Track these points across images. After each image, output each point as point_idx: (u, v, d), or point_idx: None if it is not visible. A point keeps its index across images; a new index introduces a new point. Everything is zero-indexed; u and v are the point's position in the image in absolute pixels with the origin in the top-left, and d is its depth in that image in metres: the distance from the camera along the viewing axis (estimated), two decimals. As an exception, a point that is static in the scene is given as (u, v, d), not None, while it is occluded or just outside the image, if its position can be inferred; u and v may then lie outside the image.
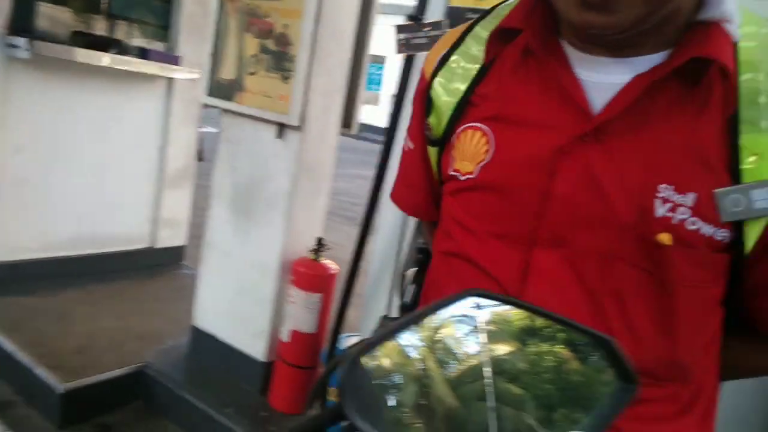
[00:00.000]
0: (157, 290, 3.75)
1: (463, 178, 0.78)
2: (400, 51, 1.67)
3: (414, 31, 1.70)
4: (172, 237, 4.14)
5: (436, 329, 0.73)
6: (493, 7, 0.83)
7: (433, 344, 0.72)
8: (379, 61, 18.61)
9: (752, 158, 0.66)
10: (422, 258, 1.61)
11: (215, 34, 2.61)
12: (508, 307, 0.64)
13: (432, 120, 0.84)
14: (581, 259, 0.71)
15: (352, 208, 7.31)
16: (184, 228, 4.24)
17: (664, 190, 0.67)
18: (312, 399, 1.96)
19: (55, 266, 3.52)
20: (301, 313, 2.43)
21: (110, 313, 3.27)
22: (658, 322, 0.70)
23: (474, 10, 1.75)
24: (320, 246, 2.43)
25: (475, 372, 0.71)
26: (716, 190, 0.66)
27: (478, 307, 0.63)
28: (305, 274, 2.41)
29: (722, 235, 0.67)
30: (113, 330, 3.09)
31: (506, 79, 0.77)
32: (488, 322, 0.70)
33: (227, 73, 2.59)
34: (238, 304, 2.71)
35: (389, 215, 1.91)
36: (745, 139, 0.66)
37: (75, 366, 2.67)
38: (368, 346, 0.50)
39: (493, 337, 0.70)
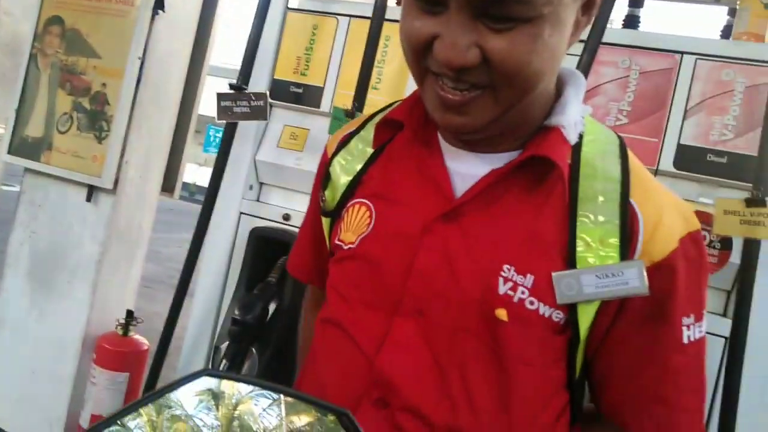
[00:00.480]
0: (-68, 375, 3.19)
1: (346, 247, 0.84)
2: (221, 118, 1.65)
3: (236, 100, 1.68)
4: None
5: (235, 406, 0.70)
6: (395, 102, 0.93)
7: (230, 422, 0.69)
8: (219, 124, 18.41)
9: (583, 246, 0.72)
10: (237, 330, 1.54)
11: (23, 88, 2.40)
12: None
13: (327, 193, 0.91)
14: (434, 330, 0.75)
15: (178, 276, 6.91)
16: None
17: (507, 270, 0.73)
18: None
19: None
20: (104, 395, 2.19)
21: None
22: (497, 397, 0.73)
23: (297, 84, 1.79)
24: (130, 319, 2.24)
25: None
26: (553, 273, 0.72)
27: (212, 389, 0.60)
28: (110, 351, 2.19)
29: (558, 316, 0.72)
30: None
31: (391, 162, 0.86)
32: (288, 394, 0.70)
33: (34, 130, 2.37)
34: (30, 388, 2.37)
35: (208, 282, 1.82)
36: (580, 230, 0.73)
37: None
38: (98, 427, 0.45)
39: (292, 408, 0.69)
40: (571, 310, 0.72)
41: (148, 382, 1.84)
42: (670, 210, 0.75)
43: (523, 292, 0.72)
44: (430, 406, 0.74)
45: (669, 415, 0.76)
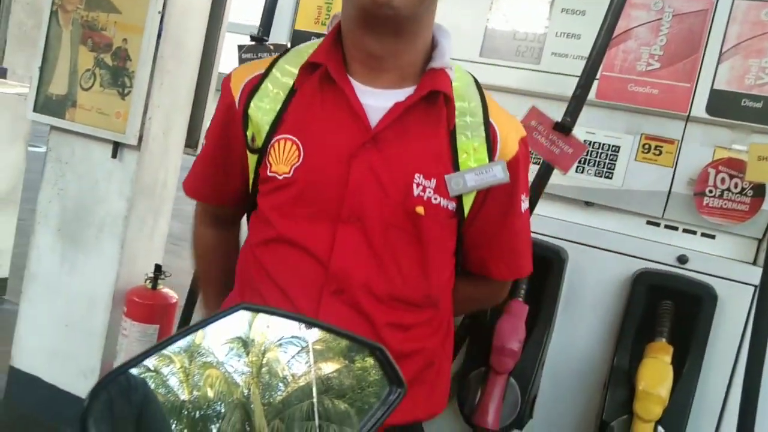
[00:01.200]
0: (-29, 328, 3.31)
1: (281, 177, 0.99)
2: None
3: (257, 52, 1.66)
4: (-9, 268, 3.70)
5: (264, 353, 0.71)
6: (289, 49, 1.09)
7: (259, 369, 0.71)
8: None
9: (464, 155, 0.99)
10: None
11: (45, 46, 2.39)
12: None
13: (250, 133, 1.04)
14: (370, 230, 0.97)
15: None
16: (7, 258, 3.80)
17: (418, 177, 0.96)
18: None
19: None
20: (135, 346, 2.25)
21: None
22: (420, 268, 1.00)
23: (318, 35, 1.76)
24: (158, 273, 2.28)
25: (303, 393, 0.71)
26: (446, 176, 0.97)
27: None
28: (141, 304, 2.24)
29: (452, 206, 0.99)
30: None
31: (309, 101, 1.01)
32: (316, 342, 0.70)
33: (58, 87, 2.38)
34: (64, 341, 2.45)
35: None
36: (460, 143, 0.99)
37: None
38: (115, 372, 0.46)
39: (321, 356, 0.70)
40: (459, 200, 0.99)
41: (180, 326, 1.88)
42: (512, 124, 1.06)
43: (430, 192, 0.97)
44: (376, 283, 0.97)
45: (515, 259, 1.12)
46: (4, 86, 3.37)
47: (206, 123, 2.51)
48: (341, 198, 0.97)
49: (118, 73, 2.25)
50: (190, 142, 2.50)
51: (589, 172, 1.43)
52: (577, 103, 1.27)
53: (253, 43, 1.68)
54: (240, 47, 1.66)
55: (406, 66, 1.00)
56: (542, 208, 1.36)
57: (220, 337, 0.67)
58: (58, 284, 2.44)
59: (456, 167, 0.98)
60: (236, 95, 1.06)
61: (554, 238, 1.44)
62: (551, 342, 1.41)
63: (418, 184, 0.96)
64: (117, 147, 2.28)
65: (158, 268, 2.29)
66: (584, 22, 1.43)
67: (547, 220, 1.44)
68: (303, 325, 0.71)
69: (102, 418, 0.44)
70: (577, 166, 1.43)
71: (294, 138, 0.99)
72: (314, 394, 0.68)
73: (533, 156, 1.47)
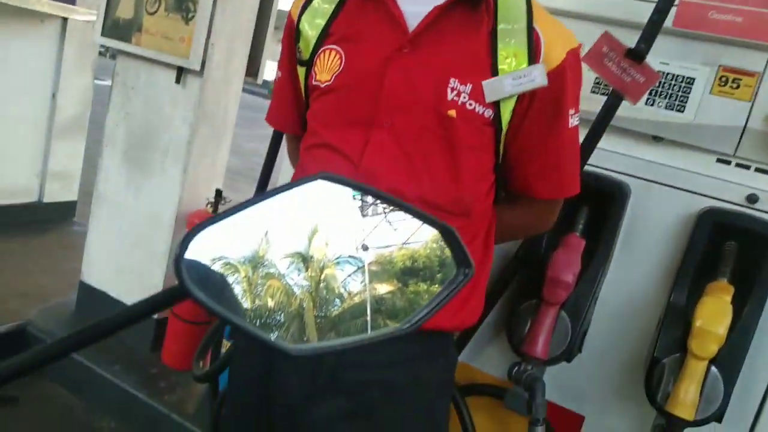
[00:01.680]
0: (44, 247, 3.52)
1: (323, 85, 1.04)
2: None
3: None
4: (62, 191, 3.89)
5: (322, 270, 0.73)
6: None
7: (317, 285, 0.73)
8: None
9: (504, 61, 0.97)
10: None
11: (112, -30, 2.43)
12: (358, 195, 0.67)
13: (301, 46, 1.09)
14: (402, 133, 0.99)
15: (258, 169, 7.11)
16: (76, 182, 3.99)
17: (453, 82, 0.96)
18: (201, 352, 1.90)
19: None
20: (197, 267, 2.35)
21: (-10, 270, 3.03)
22: (450, 173, 1.00)
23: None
24: (219, 198, 2.35)
25: (357, 310, 0.73)
26: (483, 81, 0.96)
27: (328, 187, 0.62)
28: (202, 227, 2.32)
29: (488, 113, 0.97)
30: (-8, 287, 2.87)
31: (353, 12, 1.04)
32: (372, 263, 0.72)
33: (125, 11, 2.42)
34: (130, 259, 2.58)
35: (288, 175, 1.85)
36: (500, 48, 0.97)
37: (-54, 324, 2.47)
38: (203, 225, 0.48)
39: (375, 277, 0.72)
40: (496, 107, 0.97)
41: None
42: (560, 33, 1.01)
43: (464, 97, 0.96)
44: (405, 185, 0.98)
45: (560, 178, 1.08)
46: (73, 13, 3.45)
47: (266, 54, 2.52)
48: (376, 102, 0.99)
49: (183, -2, 2.26)
50: (251, 71, 2.52)
51: (660, 104, 1.37)
52: (652, 29, 1.21)
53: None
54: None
55: None
56: (606, 142, 1.31)
57: (283, 249, 0.69)
58: (125, 205, 2.55)
59: (495, 73, 0.97)
60: (294, 17, 1.11)
61: (617, 173, 1.39)
62: (606, 278, 1.39)
63: (452, 89, 0.96)
64: (181, 72, 2.32)
65: (219, 193, 2.36)
66: (666, -58, 1.34)
67: (611, 155, 1.40)
68: (361, 246, 0.73)
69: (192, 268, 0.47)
70: (647, 98, 1.37)
71: (337, 48, 1.03)
72: (368, 312, 0.70)
73: (601, 86, 1.41)
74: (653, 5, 1.23)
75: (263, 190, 1.92)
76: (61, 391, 2.47)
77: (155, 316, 2.53)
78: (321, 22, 1.06)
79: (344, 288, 0.74)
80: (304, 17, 1.09)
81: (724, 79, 1.32)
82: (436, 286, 0.72)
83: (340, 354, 1.00)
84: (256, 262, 0.70)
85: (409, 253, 0.80)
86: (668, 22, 1.26)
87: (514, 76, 0.96)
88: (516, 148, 1.03)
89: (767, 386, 1.29)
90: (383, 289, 0.73)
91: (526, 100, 0.98)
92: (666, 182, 1.37)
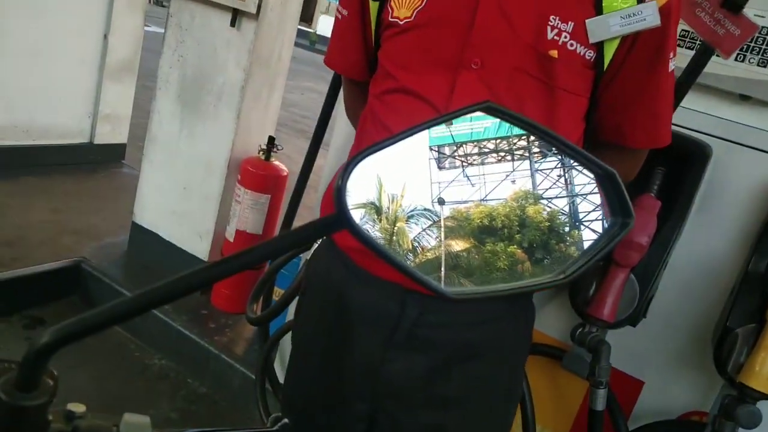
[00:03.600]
0: (95, 187, 3.59)
1: (402, 22, 0.95)
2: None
3: None
4: (112, 133, 3.94)
5: (394, 222, 0.71)
6: None
7: (390, 236, 0.71)
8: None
9: None
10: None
11: None
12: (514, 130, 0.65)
13: None
14: (493, 75, 0.91)
15: (302, 121, 7.11)
16: (126, 125, 4.03)
17: (553, 20, 0.89)
18: (255, 296, 1.92)
19: (-16, 156, 3.30)
20: (248, 213, 2.36)
21: (44, 207, 3.11)
22: (546, 119, 0.92)
23: None
24: (272, 145, 2.33)
25: (431, 266, 0.70)
26: (587, 20, 0.89)
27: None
28: (254, 173, 2.32)
29: (590, 54, 0.91)
30: (47, 224, 2.95)
31: None
32: (448, 219, 0.70)
33: (179, -49, 2.38)
34: (182, 202, 2.60)
35: (342, 132, 1.81)
36: None
37: (5, 258, 2.55)
38: (366, 152, 0.47)
39: (452, 233, 0.70)
40: (599, 49, 0.90)
41: (291, 207, 1.93)
42: None
43: (565, 36, 0.89)
44: None
45: (655, 126, 1.01)
46: (125, -48, 3.42)
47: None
48: (465, 40, 0.91)
49: (240, -63, 2.20)
50: (305, 16, 2.47)
51: (751, 60, 1.28)
52: (754, -24, 1.12)
53: None
54: None
55: None
56: (688, 100, 1.24)
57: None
58: (178, 148, 2.56)
59: (599, 11, 0.89)
60: None
61: (699, 132, 1.32)
62: (678, 242, 1.34)
63: (553, 27, 0.89)
64: (236, 15, 2.27)
65: (271, 140, 2.34)
66: None
67: (693, 114, 1.32)
68: (437, 200, 0.71)
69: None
70: (738, 54, 1.28)
71: None
72: (442, 270, 0.68)
73: (687, 39, 1.33)
74: (755, -49, 1.14)
75: (317, 145, 1.90)
76: (115, 328, 2.55)
77: (206, 259, 2.57)
78: None
79: (417, 242, 0.72)
80: None
81: (826, 34, 1.22)
82: (514, 246, 0.69)
83: (420, 313, 0.98)
84: (405, 201, 0.70)
85: (487, 211, 0.77)
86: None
87: (623, 14, 0.88)
88: (612, 93, 0.97)
89: None
90: (458, 246, 0.71)
91: (628, 42, 0.91)
92: (751, 144, 1.29)
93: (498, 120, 0.57)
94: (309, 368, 1.13)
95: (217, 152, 2.44)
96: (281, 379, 1.94)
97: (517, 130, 0.69)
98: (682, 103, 1.23)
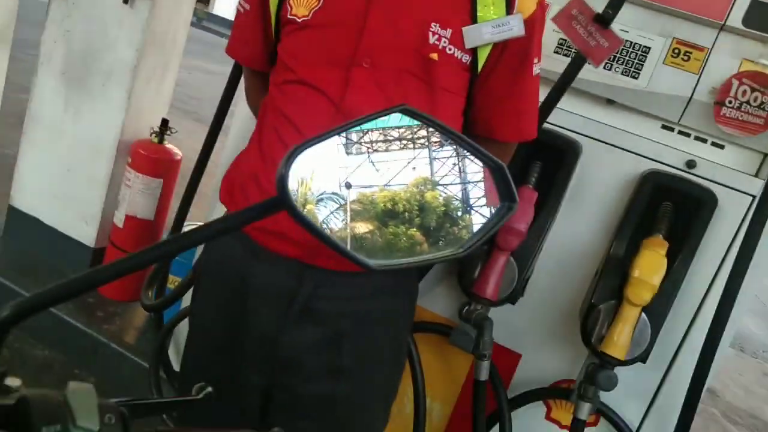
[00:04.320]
0: (-37, 167, 3.31)
1: (300, 20, 1.03)
2: None
3: None
4: (-19, 109, 3.63)
5: (304, 205, 0.76)
6: None
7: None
8: (231, -48, 17.22)
9: (483, 8, 1.01)
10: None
11: None
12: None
13: None
14: (382, 74, 1.01)
15: (190, 102, 6.86)
16: (-2, 100, 3.73)
17: (434, 26, 0.99)
18: (150, 282, 1.90)
19: None
20: (138, 198, 2.30)
21: None
22: (427, 112, 0.98)
23: None
24: (165, 128, 2.28)
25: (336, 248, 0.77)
26: (463, 28, 1.00)
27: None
28: (147, 157, 2.27)
29: (467, 58, 1.02)
30: None
31: None
32: (354, 202, 0.76)
33: None
34: (66, 186, 2.48)
35: (243, 117, 1.82)
36: None
37: None
38: (306, 143, 0.51)
39: (357, 216, 0.76)
40: (473, 53, 1.02)
41: (189, 191, 1.91)
42: None
43: (445, 42, 1.00)
44: None
45: (521, 122, 1.14)
46: None
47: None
48: (357, 41, 1.00)
49: None
50: (202, -3, 2.42)
51: (617, 69, 1.45)
52: (620, -4, 1.27)
53: None
54: None
55: None
56: (563, 102, 1.38)
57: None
58: (61, 128, 2.44)
59: (474, 20, 1.01)
60: None
61: (571, 131, 1.48)
62: (552, 229, 1.49)
63: (434, 33, 0.99)
64: (129, -8, 2.20)
65: (165, 123, 2.30)
66: None
67: (567, 114, 1.48)
68: (344, 184, 0.77)
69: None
70: (606, 63, 1.45)
71: None
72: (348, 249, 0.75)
73: (564, 47, 1.48)
74: (621, -27, 1.29)
75: (216, 132, 1.89)
76: (-11, 317, 2.39)
77: (92, 246, 2.47)
78: None
79: (326, 225, 0.78)
80: None
81: (676, 50, 1.41)
82: (414, 229, 0.78)
83: (315, 287, 1.05)
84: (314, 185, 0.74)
85: (390, 195, 0.85)
86: (632, -9, 1.33)
87: (494, 24, 1.00)
88: (484, 92, 1.09)
89: (684, 332, 1.45)
90: (363, 228, 0.78)
91: (499, 49, 1.04)
92: (614, 143, 1.47)
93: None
94: (207, 348, 1.17)
95: (106, 134, 2.35)
96: (176, 367, 1.93)
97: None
98: (559, 105, 1.37)
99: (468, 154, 0.67)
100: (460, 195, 0.81)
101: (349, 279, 1.05)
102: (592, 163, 1.48)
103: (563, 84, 1.33)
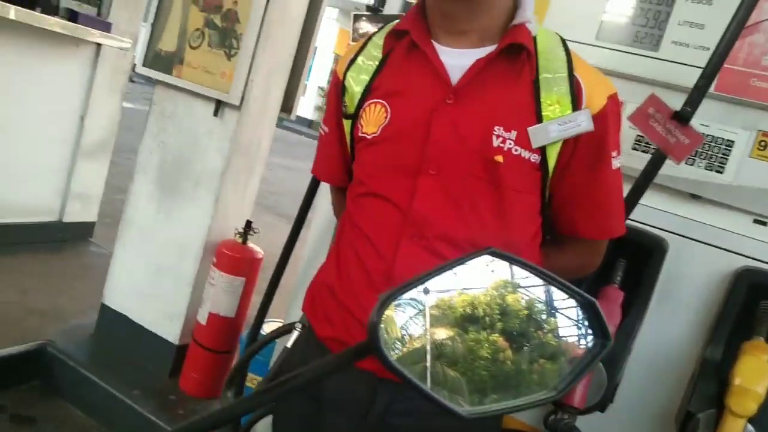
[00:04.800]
0: (63, 266, 3.54)
1: (369, 137, 1.09)
2: (356, 40, 1.68)
3: (372, 22, 1.71)
4: (82, 212, 3.93)
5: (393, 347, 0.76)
6: (385, 24, 1.18)
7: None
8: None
9: (548, 107, 1.01)
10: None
11: (158, 4, 2.51)
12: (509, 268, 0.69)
13: (346, 100, 1.16)
14: (448, 180, 1.03)
15: (269, 197, 7.17)
16: (96, 204, 4.03)
17: (498, 129, 1.01)
18: (230, 382, 1.92)
19: (-50, 232, 3.25)
20: (221, 296, 2.37)
21: (10, 287, 3.05)
22: (497, 216, 1.04)
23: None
24: (248, 229, 2.39)
25: (418, 355, 0.76)
26: (528, 128, 1.01)
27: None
28: (230, 257, 2.36)
29: (535, 157, 1.02)
30: (13, 305, 2.89)
31: (396, 67, 1.10)
32: (433, 307, 0.76)
33: (167, 44, 2.50)
34: (154, 285, 2.60)
35: (324, 212, 1.90)
36: (543, 96, 1.02)
37: (-32, 340, 2.48)
38: (397, 291, 0.55)
39: (436, 322, 0.75)
40: (543, 152, 1.02)
41: (270, 289, 1.97)
42: (599, 80, 1.06)
43: (510, 143, 1.00)
44: (455, 229, 1.02)
45: (606, 218, 1.12)
46: (108, 39, 3.54)
47: (301, 90, 2.58)
48: (422, 151, 1.03)
49: (227, 34, 2.34)
50: (286, 107, 2.59)
51: (700, 164, 1.42)
52: (698, 93, 1.26)
53: (368, 13, 1.72)
54: (356, 17, 1.71)
55: (486, 27, 1.05)
56: (645, 198, 1.36)
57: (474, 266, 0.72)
58: (153, 230, 2.59)
59: (539, 119, 1.01)
60: (340, 75, 1.17)
61: (656, 228, 1.43)
62: (641, 330, 1.42)
63: (497, 136, 1.01)
64: (219, 106, 2.38)
65: (248, 224, 2.40)
66: (710, 12, 1.40)
67: (651, 210, 1.44)
68: (422, 289, 0.77)
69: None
70: (688, 159, 1.42)
71: (383, 101, 1.08)
72: (428, 358, 0.71)
73: (643, 143, 1.46)
74: (698, 70, 1.29)
75: (297, 232, 1.97)
76: (77, 413, 2.47)
77: (176, 342, 2.55)
78: (365, 78, 1.12)
79: (405, 331, 0.76)
80: (349, 74, 1.15)
81: (763, 143, 1.37)
82: (496, 335, 0.75)
83: (390, 401, 1.03)
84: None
85: (469, 299, 0.83)
86: (710, 87, 1.32)
87: (560, 121, 1.01)
88: (562, 190, 1.08)
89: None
90: (442, 335, 0.76)
91: (570, 145, 1.03)
92: (703, 240, 1.41)
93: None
94: None
95: (194, 235, 2.47)
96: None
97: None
98: (641, 201, 1.34)
99: (558, 290, 0.66)
100: (543, 297, 0.80)
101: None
102: (680, 260, 1.42)
103: (644, 181, 1.31)
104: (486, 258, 0.62)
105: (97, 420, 2.42)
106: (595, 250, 1.18)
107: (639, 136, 1.46)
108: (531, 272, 0.67)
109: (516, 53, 1.02)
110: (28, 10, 3.02)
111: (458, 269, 0.63)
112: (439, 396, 0.58)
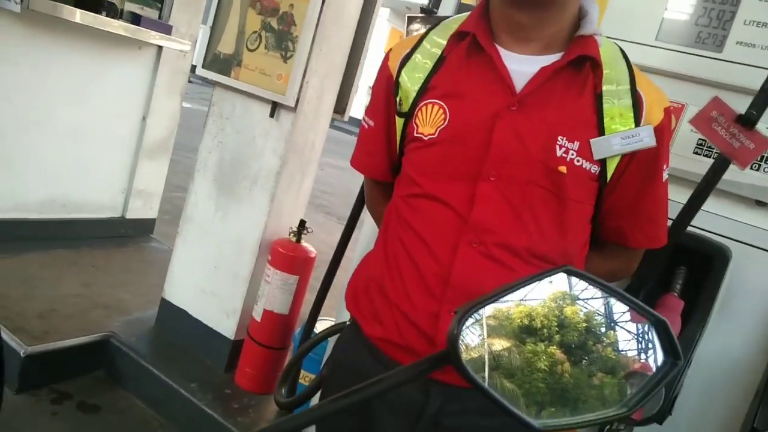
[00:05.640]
0: (125, 261, 3.68)
1: (426, 138, 1.07)
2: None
3: (425, 24, 1.71)
4: (143, 209, 4.07)
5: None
6: (440, 20, 1.18)
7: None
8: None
9: (610, 120, 1.01)
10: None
11: (217, 7, 2.58)
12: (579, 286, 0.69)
13: (401, 97, 1.14)
14: (508, 187, 1.03)
15: (321, 196, 7.26)
16: (157, 201, 4.17)
17: (561, 140, 1.01)
18: (284, 379, 1.96)
19: (22, 228, 3.42)
20: (276, 293, 2.42)
21: (75, 281, 3.20)
22: (557, 226, 1.04)
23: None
24: (302, 228, 2.43)
25: (476, 364, 0.76)
26: (591, 140, 1.01)
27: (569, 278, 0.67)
28: (285, 255, 2.40)
29: (595, 169, 1.02)
30: (78, 297, 3.02)
31: (456, 68, 1.08)
32: (490, 317, 0.75)
33: (226, 47, 2.57)
34: (212, 281, 2.68)
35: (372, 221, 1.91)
36: (606, 108, 1.02)
37: (36, 331, 2.61)
38: (477, 304, 0.56)
39: (493, 332, 0.74)
40: (602, 164, 1.02)
41: (324, 287, 2.00)
42: (657, 93, 1.06)
43: (573, 154, 1.01)
44: (514, 237, 1.02)
45: (654, 229, 1.12)
46: (169, 42, 3.66)
47: (355, 91, 2.61)
48: (483, 157, 1.03)
49: (283, 37, 2.38)
50: (339, 108, 2.62)
51: (765, 170, 1.37)
52: (765, 96, 1.21)
53: (423, 15, 1.72)
54: (410, 18, 1.72)
55: (553, 34, 1.05)
56: (708, 204, 1.32)
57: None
58: (211, 228, 2.67)
59: (601, 132, 1.01)
60: (393, 71, 1.16)
61: (718, 235, 1.39)
62: (702, 341, 1.38)
63: (561, 146, 1.01)
64: (275, 107, 2.43)
65: (302, 223, 2.44)
66: (779, 11, 1.35)
67: (713, 217, 1.40)
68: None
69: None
70: (753, 163, 1.37)
71: (441, 102, 1.07)
72: (486, 369, 0.72)
73: (705, 147, 1.42)
74: (765, 72, 1.24)
75: (350, 233, 1.99)
76: (138, 404, 2.57)
77: (232, 338, 2.62)
78: (421, 76, 1.11)
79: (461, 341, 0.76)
80: (404, 71, 1.13)
81: (835, 148, 1.31)
82: (554, 347, 0.74)
83: (443, 402, 1.03)
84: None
85: (527, 311, 0.82)
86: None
87: (623, 135, 1.01)
88: (613, 200, 1.08)
89: None
90: (499, 345, 0.75)
91: (627, 157, 1.04)
92: (769, 248, 1.36)
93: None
94: None
95: (250, 233, 2.54)
96: (304, 463, 1.94)
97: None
98: (703, 207, 1.30)
99: (630, 308, 0.65)
100: (602, 310, 0.78)
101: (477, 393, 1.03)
102: (744, 269, 1.37)
103: (707, 187, 1.27)
104: (561, 276, 0.62)
105: (156, 411, 2.51)
106: (637, 256, 1.20)
107: (701, 139, 1.42)
108: (602, 289, 0.67)
109: (581, 63, 1.02)
110: (93, 14, 3.15)
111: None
112: (515, 407, 0.59)
